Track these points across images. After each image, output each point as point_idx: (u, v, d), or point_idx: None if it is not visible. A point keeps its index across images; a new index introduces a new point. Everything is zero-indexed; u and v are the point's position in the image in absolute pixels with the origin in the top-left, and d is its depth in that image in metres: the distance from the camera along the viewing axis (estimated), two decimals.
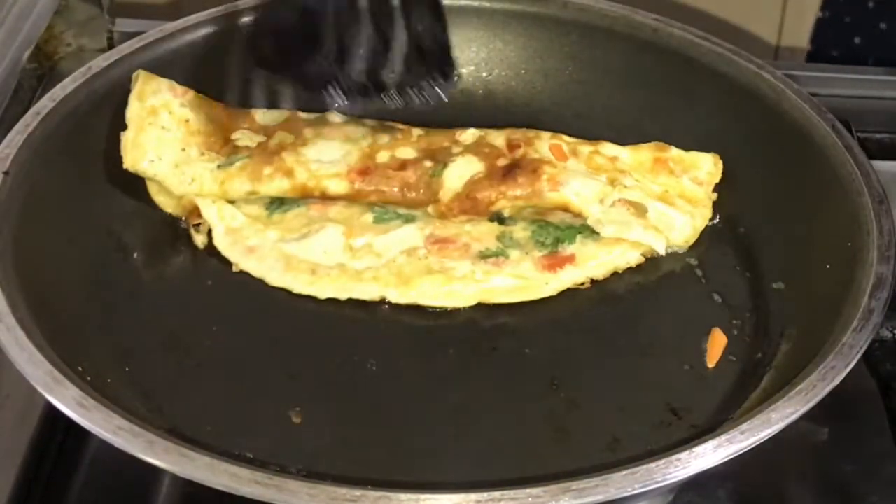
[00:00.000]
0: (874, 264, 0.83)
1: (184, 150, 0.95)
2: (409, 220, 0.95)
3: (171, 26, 1.02)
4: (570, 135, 1.01)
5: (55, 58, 1.20)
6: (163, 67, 1.00)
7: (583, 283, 0.94)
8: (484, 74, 1.10)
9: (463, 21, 1.09)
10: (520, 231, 0.96)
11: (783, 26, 1.27)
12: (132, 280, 0.92)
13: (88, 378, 0.75)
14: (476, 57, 1.10)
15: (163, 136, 0.95)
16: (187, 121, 0.96)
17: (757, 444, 0.72)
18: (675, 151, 1.00)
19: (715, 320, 0.91)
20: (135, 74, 0.96)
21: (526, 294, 0.93)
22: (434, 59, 0.93)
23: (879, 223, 0.86)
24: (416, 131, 1.00)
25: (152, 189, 0.97)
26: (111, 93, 0.96)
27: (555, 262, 0.94)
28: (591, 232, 0.96)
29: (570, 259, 0.94)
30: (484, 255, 0.94)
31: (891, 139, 1.15)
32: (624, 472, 0.69)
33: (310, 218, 0.96)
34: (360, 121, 1.01)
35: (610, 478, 0.69)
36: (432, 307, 0.92)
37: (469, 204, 0.95)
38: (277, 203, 0.96)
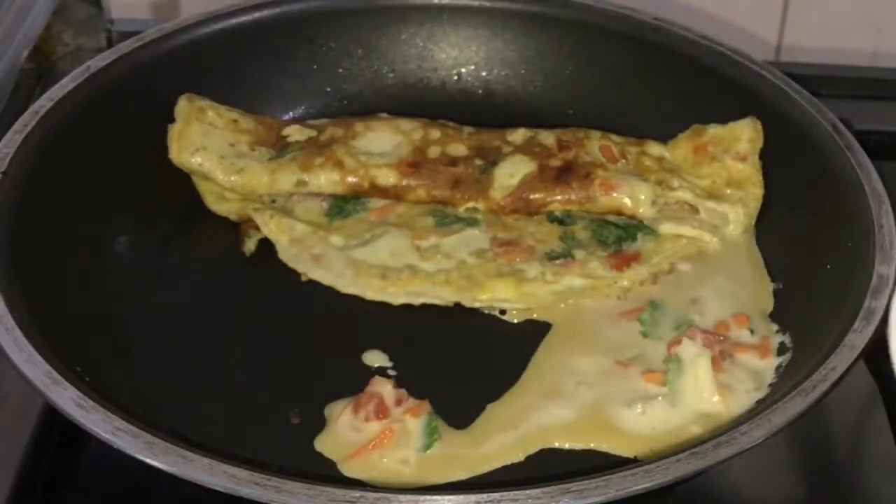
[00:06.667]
0: (874, 264, 0.83)
1: (232, 145, 0.97)
2: (470, 223, 0.96)
3: (170, 26, 1.02)
4: None
5: (53, 57, 1.20)
6: (162, 67, 1.00)
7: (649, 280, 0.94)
8: (484, 74, 1.10)
9: (463, 21, 1.09)
10: (580, 230, 0.96)
11: (784, 25, 1.27)
12: (131, 280, 0.92)
13: (87, 378, 0.75)
14: (476, 57, 1.10)
15: (210, 131, 0.96)
16: (235, 121, 0.98)
17: (757, 444, 0.72)
18: (712, 130, 0.99)
19: None
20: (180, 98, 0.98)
21: (598, 294, 0.92)
22: None
23: (879, 223, 0.86)
24: (467, 129, 1.01)
25: (208, 197, 0.98)
26: (110, 93, 0.96)
27: (621, 260, 0.94)
28: (649, 229, 0.96)
29: (636, 257, 0.94)
30: (551, 257, 0.94)
31: (891, 139, 1.14)
32: (624, 472, 0.69)
33: (370, 223, 0.96)
34: (410, 117, 1.01)
35: (610, 478, 0.69)
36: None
37: (522, 204, 0.96)
38: (336, 209, 0.97)
